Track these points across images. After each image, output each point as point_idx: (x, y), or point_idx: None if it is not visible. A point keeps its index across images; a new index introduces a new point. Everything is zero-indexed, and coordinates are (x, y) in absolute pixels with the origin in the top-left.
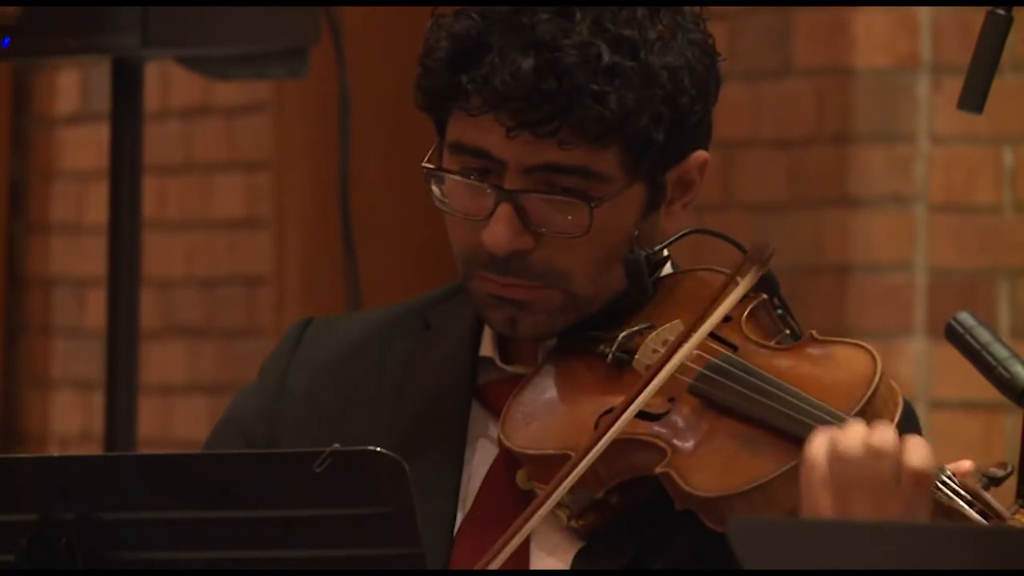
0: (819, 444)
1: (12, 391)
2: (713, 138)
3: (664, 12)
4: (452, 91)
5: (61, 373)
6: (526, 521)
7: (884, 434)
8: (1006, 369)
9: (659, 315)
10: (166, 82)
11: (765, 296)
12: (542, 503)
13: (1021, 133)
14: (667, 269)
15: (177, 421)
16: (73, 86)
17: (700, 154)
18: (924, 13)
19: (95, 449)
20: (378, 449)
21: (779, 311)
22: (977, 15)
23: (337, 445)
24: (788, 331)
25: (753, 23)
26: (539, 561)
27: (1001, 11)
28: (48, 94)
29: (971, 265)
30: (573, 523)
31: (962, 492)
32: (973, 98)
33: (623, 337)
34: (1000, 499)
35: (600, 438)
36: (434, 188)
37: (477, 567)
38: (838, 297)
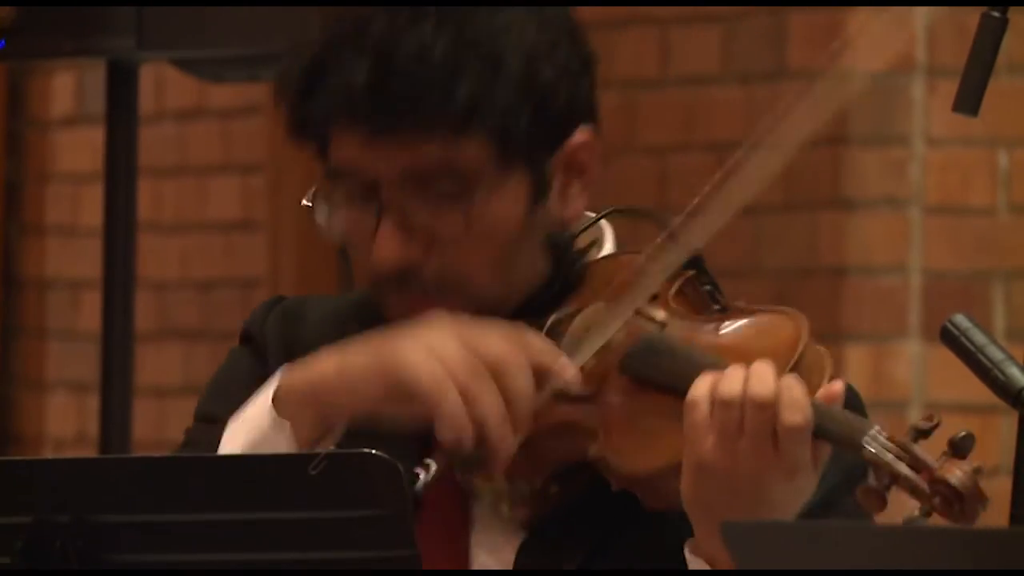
0: (701, 385)
1: (7, 393)
2: (708, 141)
3: None
4: (309, 120)
5: (56, 375)
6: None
7: (763, 380)
8: (1001, 371)
9: (588, 299)
10: (161, 84)
11: (692, 272)
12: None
13: (1016, 135)
14: (608, 249)
15: (172, 423)
16: (68, 88)
17: (581, 134)
18: (919, 15)
19: (90, 451)
20: (373, 452)
21: (707, 287)
22: (972, 17)
23: (332, 448)
24: (717, 306)
25: (748, 25)
26: (478, 559)
27: (996, 13)
28: (43, 96)
29: (966, 267)
30: (514, 513)
31: (890, 446)
32: (968, 100)
33: (552, 322)
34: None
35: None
36: (319, 220)
37: None
38: (833, 299)
